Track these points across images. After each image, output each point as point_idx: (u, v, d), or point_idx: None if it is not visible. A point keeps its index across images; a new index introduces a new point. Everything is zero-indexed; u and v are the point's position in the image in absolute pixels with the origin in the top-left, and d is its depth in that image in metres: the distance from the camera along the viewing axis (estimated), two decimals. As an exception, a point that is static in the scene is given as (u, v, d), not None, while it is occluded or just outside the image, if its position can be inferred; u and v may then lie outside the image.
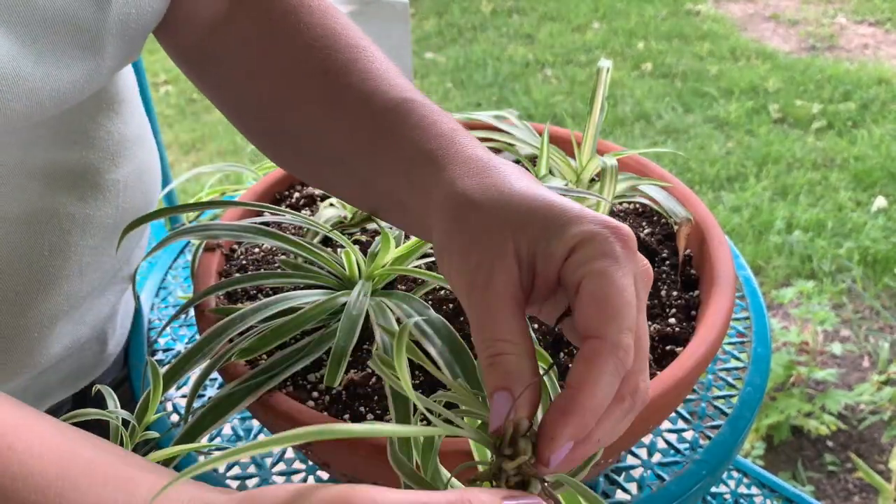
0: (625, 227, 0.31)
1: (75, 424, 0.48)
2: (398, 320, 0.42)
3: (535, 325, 0.48)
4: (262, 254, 0.56)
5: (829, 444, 1.38)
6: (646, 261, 0.32)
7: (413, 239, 0.46)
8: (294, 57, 0.41)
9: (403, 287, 0.50)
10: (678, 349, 0.46)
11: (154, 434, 0.43)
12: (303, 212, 0.60)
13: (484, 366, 0.30)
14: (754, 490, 0.75)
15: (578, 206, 0.31)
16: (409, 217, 0.38)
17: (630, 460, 0.53)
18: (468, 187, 0.33)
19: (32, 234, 0.43)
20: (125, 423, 0.42)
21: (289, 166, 0.45)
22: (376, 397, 0.44)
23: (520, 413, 0.29)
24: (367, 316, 0.43)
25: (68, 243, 0.45)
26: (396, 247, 0.46)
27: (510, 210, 0.31)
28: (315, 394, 0.44)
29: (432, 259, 0.54)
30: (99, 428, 0.66)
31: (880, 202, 2.03)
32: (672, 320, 0.49)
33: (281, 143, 0.44)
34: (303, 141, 0.42)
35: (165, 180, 1.06)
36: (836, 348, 1.51)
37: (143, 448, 0.42)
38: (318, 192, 0.63)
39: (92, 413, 0.40)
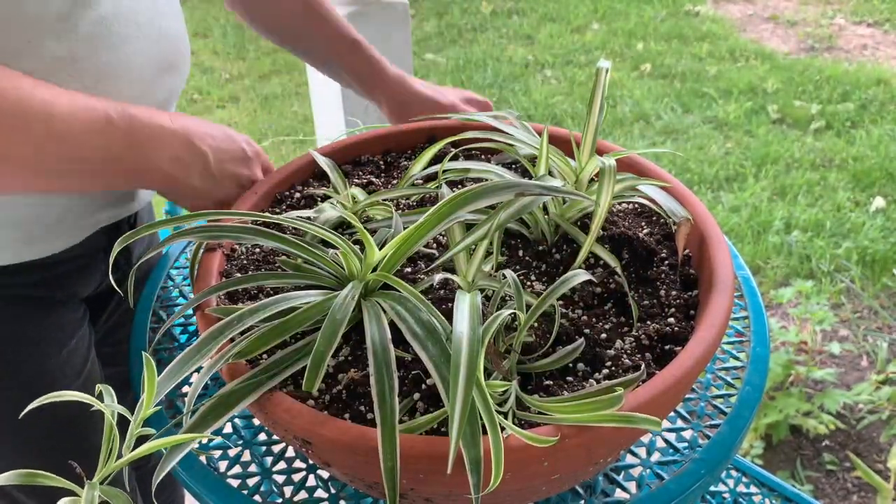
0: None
1: (69, 416, 0.49)
2: (391, 323, 0.42)
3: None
4: (263, 254, 0.57)
5: (828, 443, 1.39)
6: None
7: (398, 237, 0.45)
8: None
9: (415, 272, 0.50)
10: (677, 349, 0.46)
11: (150, 430, 0.43)
12: (302, 212, 0.61)
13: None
14: (753, 489, 0.75)
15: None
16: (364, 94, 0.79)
17: (629, 459, 0.54)
18: (398, 94, 0.77)
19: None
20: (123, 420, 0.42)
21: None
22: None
23: None
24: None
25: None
26: (382, 247, 0.46)
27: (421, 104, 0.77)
28: (315, 392, 0.44)
29: (429, 260, 0.54)
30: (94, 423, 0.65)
31: (879, 202, 2.03)
32: (671, 320, 0.49)
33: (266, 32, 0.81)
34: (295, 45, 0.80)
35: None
36: (835, 348, 1.51)
37: (139, 444, 0.42)
38: (318, 192, 0.63)
39: (80, 397, 0.41)
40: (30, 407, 0.41)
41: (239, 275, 0.54)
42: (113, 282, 0.53)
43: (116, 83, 0.57)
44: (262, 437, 0.56)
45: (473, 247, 0.48)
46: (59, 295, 0.64)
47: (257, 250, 0.57)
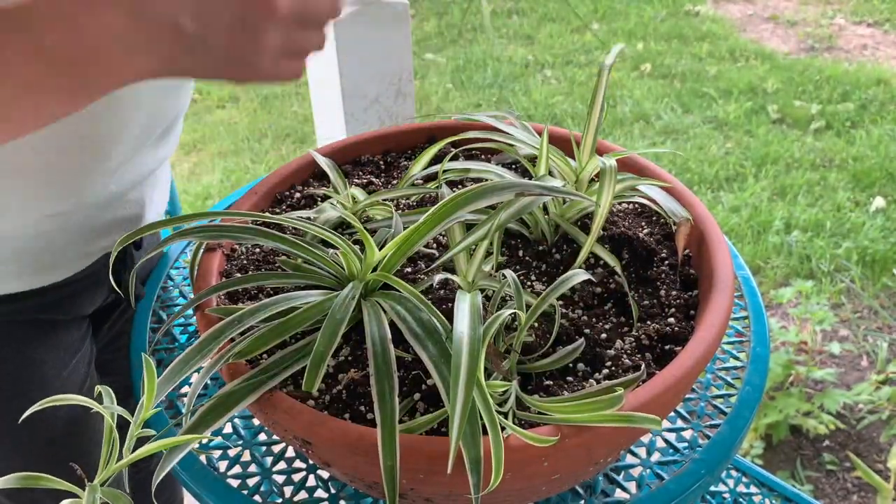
0: None
1: (67, 432, 0.48)
2: (391, 323, 0.42)
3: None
4: (264, 254, 0.57)
5: (828, 443, 1.39)
6: None
7: (398, 237, 0.46)
8: None
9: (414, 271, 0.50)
10: (677, 349, 0.46)
11: (150, 431, 0.43)
12: (303, 211, 0.61)
13: None
14: (753, 489, 0.75)
15: None
16: None
17: (629, 459, 0.54)
18: None
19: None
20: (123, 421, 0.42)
21: None
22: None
23: None
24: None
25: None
26: (382, 247, 0.46)
27: None
28: (315, 393, 0.44)
29: (429, 260, 0.54)
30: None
31: (879, 202, 2.03)
32: (671, 320, 0.49)
33: None
34: None
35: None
36: (835, 348, 1.51)
37: (139, 446, 0.42)
38: (318, 192, 0.63)
39: (80, 401, 0.41)
40: (29, 412, 0.41)
41: (239, 275, 0.54)
42: (113, 282, 0.53)
43: (118, 112, 0.54)
44: (262, 437, 0.56)
45: (473, 247, 0.48)
46: (64, 316, 0.64)
47: (257, 250, 0.57)
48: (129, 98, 0.55)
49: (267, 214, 0.49)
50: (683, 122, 2.48)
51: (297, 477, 0.53)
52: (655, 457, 0.53)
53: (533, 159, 0.59)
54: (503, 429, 0.38)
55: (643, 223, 0.59)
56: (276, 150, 2.50)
